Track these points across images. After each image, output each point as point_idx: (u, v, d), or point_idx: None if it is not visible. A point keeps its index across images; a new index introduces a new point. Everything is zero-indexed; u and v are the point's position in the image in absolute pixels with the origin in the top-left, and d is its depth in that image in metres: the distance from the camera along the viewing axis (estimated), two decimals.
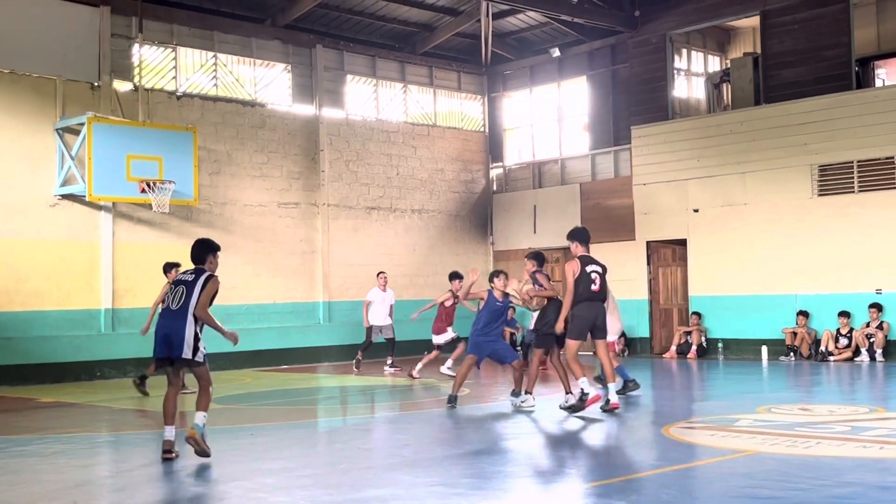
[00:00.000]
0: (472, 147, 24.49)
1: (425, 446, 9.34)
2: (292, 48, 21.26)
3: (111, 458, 9.40)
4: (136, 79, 18.67)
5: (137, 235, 18.36)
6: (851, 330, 17.71)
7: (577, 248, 11.34)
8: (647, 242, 21.09)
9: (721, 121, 20.22)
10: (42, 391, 15.39)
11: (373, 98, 22.75)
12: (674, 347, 19.96)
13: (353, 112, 22.25)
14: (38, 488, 7.56)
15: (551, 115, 24.13)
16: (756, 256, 19.21)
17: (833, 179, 18.31)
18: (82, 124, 17.04)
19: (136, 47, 18.75)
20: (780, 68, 19.38)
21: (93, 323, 17.79)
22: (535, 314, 12.21)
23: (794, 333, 18.34)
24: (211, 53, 19.96)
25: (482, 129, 24.87)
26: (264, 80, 20.86)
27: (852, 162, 18.04)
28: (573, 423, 10.48)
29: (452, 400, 11.85)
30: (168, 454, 8.40)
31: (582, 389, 10.93)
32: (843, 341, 17.76)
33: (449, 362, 15.84)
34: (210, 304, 8.53)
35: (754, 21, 20.56)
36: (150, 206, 17.54)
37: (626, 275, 20.91)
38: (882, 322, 17.38)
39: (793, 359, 18.09)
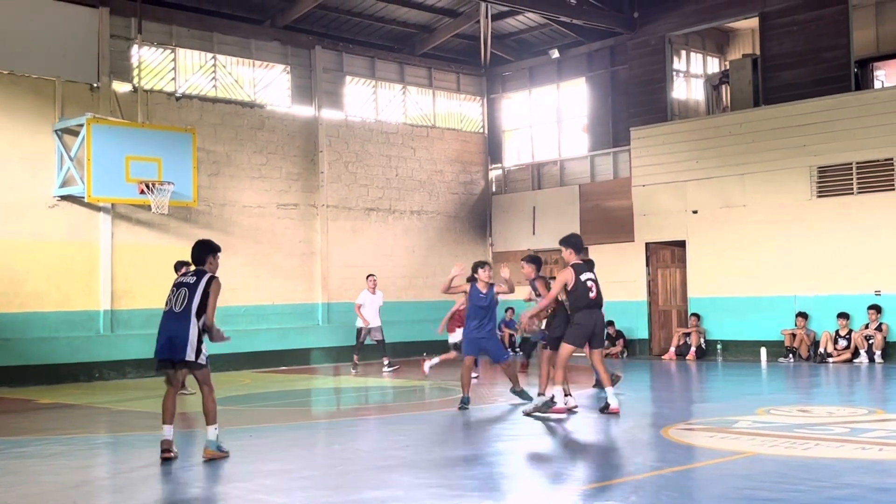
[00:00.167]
0: (471, 148, 24.49)
1: (424, 447, 9.33)
2: (291, 49, 21.25)
3: (110, 460, 9.40)
4: (136, 80, 18.66)
5: (136, 237, 18.35)
6: (850, 331, 17.71)
7: (571, 256, 11.28)
8: (646, 244, 21.08)
9: (720, 122, 20.22)
10: (41, 392, 15.38)
11: (372, 99, 22.74)
12: (673, 349, 19.95)
13: (353, 113, 22.24)
14: (38, 489, 7.57)
15: (550, 117, 24.12)
16: (755, 258, 19.20)
17: (832, 181, 18.31)
18: (81, 125, 17.03)
19: (135, 48, 18.74)
20: (780, 70, 19.39)
21: (92, 324, 17.76)
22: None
23: (793, 335, 18.33)
24: (210, 55, 19.95)
25: (481, 131, 24.87)
26: (263, 82, 20.85)
27: (851, 163, 18.04)
28: (573, 424, 10.49)
29: (465, 402, 11.82)
30: (167, 453, 8.41)
31: (553, 396, 10.99)
32: (842, 343, 17.76)
33: (435, 360, 15.33)
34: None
35: (753, 22, 20.56)
36: (149, 208, 17.52)
37: (625, 276, 20.94)
38: (881, 323, 17.38)
39: (792, 360, 18.08)
